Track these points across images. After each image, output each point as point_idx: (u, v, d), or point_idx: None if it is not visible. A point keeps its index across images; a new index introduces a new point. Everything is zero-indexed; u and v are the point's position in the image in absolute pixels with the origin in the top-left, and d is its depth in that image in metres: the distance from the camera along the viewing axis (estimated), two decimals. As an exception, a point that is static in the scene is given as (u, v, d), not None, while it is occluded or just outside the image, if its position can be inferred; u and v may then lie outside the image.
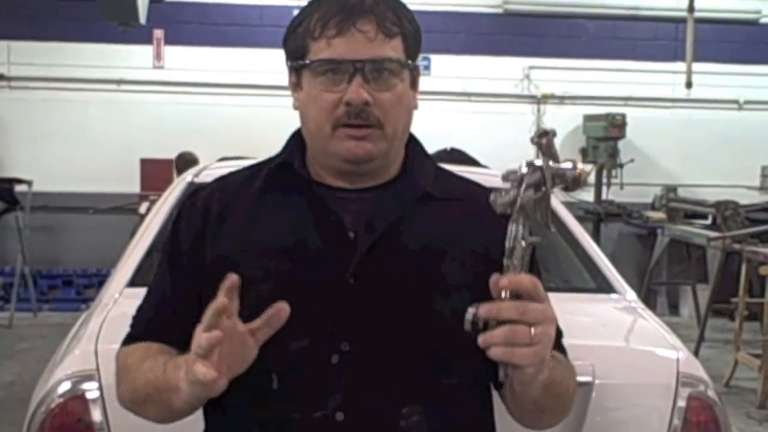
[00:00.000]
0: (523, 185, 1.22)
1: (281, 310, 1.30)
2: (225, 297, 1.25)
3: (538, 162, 1.24)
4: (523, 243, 1.23)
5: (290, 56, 1.48)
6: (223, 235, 1.46)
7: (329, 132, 1.42)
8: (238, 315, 1.37)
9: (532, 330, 1.22)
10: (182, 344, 1.39)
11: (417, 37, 1.48)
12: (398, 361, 1.40)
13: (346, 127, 1.42)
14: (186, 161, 7.64)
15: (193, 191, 1.57)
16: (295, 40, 1.46)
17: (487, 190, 1.55)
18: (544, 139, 1.24)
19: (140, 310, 1.55)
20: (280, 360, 1.38)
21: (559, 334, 1.47)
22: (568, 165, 1.25)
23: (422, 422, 1.40)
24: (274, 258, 1.43)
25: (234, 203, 1.49)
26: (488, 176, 3.08)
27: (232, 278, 1.26)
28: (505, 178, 1.24)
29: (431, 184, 1.50)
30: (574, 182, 1.27)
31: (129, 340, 1.53)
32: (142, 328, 1.51)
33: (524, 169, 1.23)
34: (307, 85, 1.44)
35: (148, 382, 1.40)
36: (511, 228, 1.24)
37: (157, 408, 1.41)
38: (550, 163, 1.24)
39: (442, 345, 1.41)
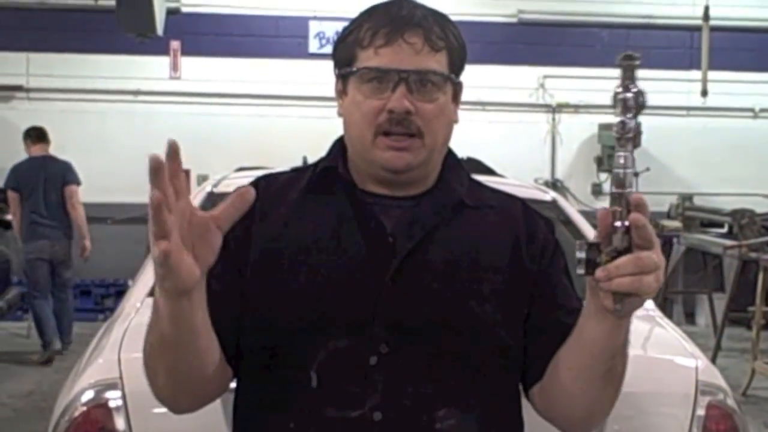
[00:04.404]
0: (633, 110, 1.23)
1: (246, 192, 1.23)
2: (157, 189, 1.18)
3: (634, 87, 1.24)
4: (630, 170, 1.22)
5: (338, 65, 1.52)
6: (265, 231, 1.48)
7: (371, 139, 1.45)
8: (278, 315, 1.41)
9: (654, 256, 1.20)
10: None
11: (462, 53, 1.52)
12: (435, 363, 1.42)
13: (387, 137, 1.44)
14: (38, 130, 7.32)
15: (235, 190, 1.56)
16: (344, 49, 1.49)
17: (517, 200, 1.59)
18: (634, 62, 1.23)
19: None
20: (319, 359, 1.41)
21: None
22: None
23: (457, 425, 1.43)
24: (315, 258, 1.45)
25: (277, 202, 1.51)
26: (504, 185, 3.10)
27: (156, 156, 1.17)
28: (614, 99, 1.25)
29: (466, 193, 1.54)
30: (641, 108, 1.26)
31: None
32: None
33: (629, 94, 1.23)
34: (353, 91, 1.48)
35: (147, 333, 1.32)
36: (620, 156, 1.22)
37: (157, 352, 1.32)
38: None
39: (477, 348, 1.44)
